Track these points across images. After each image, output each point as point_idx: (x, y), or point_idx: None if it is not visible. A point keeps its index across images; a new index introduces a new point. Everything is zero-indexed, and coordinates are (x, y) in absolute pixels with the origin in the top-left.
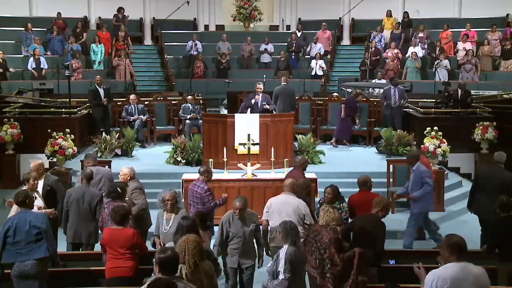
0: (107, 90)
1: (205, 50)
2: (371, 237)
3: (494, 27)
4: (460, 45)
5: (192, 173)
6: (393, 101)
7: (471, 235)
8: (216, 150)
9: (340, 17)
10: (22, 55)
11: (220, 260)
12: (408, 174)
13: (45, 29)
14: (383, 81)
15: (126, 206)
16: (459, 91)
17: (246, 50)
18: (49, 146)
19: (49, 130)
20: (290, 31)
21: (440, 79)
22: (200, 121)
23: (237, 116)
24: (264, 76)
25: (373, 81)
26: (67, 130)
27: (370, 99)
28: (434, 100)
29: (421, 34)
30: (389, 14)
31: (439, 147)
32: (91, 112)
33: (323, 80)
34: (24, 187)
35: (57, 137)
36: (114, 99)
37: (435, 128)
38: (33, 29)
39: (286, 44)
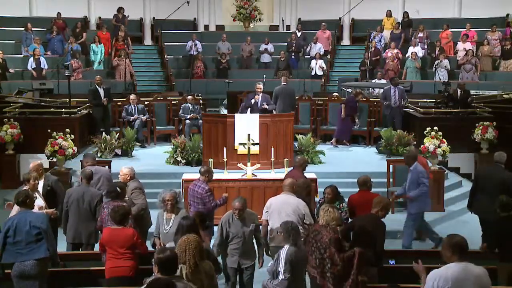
0: (107, 90)
1: (205, 50)
2: (371, 237)
3: (494, 27)
4: (460, 45)
5: (192, 173)
6: (393, 101)
7: (471, 235)
8: (216, 150)
9: (340, 17)
10: (22, 55)
11: (220, 260)
12: None
13: (45, 29)
14: (383, 81)
15: (125, 206)
16: (459, 91)
17: (246, 50)
18: (49, 146)
19: (49, 130)
20: (290, 31)
21: (440, 79)
22: (200, 121)
23: (237, 116)
24: (264, 76)
25: (373, 81)
26: (67, 130)
27: (370, 99)
28: (434, 100)
29: (421, 34)
30: (389, 14)
31: (439, 147)
32: (91, 112)
33: (323, 80)
34: (25, 187)
35: (57, 137)
36: (114, 99)
37: (435, 128)
38: (33, 29)
39: (286, 44)
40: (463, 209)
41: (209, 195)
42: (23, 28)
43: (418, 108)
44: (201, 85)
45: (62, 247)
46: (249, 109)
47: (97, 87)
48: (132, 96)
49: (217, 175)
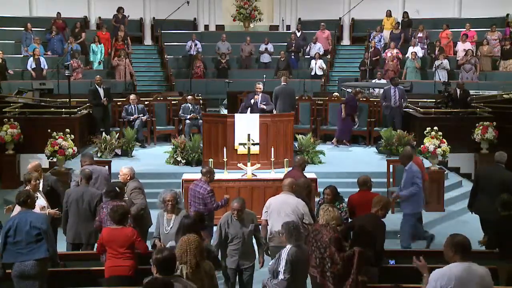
0: (107, 90)
1: (205, 50)
2: (371, 237)
3: (493, 27)
4: (460, 45)
5: (192, 173)
6: (393, 101)
7: (471, 235)
8: (216, 150)
9: (340, 17)
10: (21, 55)
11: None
12: None
13: (45, 29)
14: (383, 81)
15: (125, 206)
16: (458, 90)
17: (245, 50)
18: (49, 146)
19: (49, 130)
20: (290, 31)
21: (440, 79)
22: (200, 121)
23: (237, 116)
24: (264, 76)
25: (373, 81)
26: (67, 130)
27: (370, 99)
28: (434, 100)
29: (420, 34)
30: (388, 14)
31: (439, 147)
32: (91, 112)
33: (323, 80)
34: (27, 187)
35: (57, 137)
36: (114, 99)
37: (435, 128)
38: (33, 29)
39: (286, 44)
40: (463, 209)
41: (211, 196)
42: (23, 28)
43: (418, 108)
44: (201, 85)
45: (62, 247)
46: (249, 109)
47: (97, 87)
48: (132, 96)
49: (217, 175)
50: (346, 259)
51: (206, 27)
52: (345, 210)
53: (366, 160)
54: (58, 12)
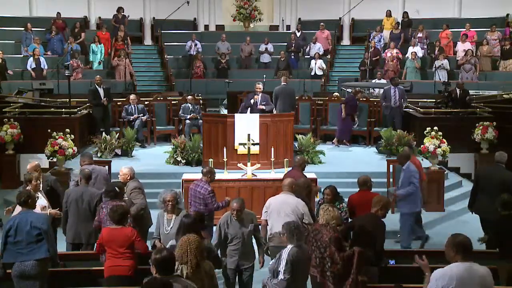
0: (107, 90)
1: (205, 50)
2: (371, 237)
3: (493, 27)
4: (460, 45)
5: (192, 173)
6: (393, 101)
7: (471, 235)
8: (216, 150)
9: (340, 17)
10: (21, 55)
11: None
12: None
13: (45, 29)
14: (383, 81)
15: (124, 206)
16: (458, 90)
17: (245, 50)
18: (49, 146)
19: (49, 130)
20: (290, 31)
21: (440, 79)
22: (200, 121)
23: (237, 116)
24: (264, 76)
25: (373, 81)
26: (67, 130)
27: (370, 99)
28: (434, 100)
29: (420, 34)
30: (388, 14)
31: (439, 147)
32: (91, 112)
33: (323, 80)
34: (28, 187)
35: (57, 137)
36: (114, 99)
37: (435, 128)
38: (33, 29)
39: (286, 44)
40: (463, 209)
41: (211, 196)
42: (23, 28)
43: (418, 108)
44: (201, 85)
45: (61, 247)
46: (249, 109)
47: (97, 87)
48: (132, 96)
49: (217, 175)
50: (346, 259)
51: (206, 27)
52: (345, 210)
53: (366, 160)
54: (58, 12)
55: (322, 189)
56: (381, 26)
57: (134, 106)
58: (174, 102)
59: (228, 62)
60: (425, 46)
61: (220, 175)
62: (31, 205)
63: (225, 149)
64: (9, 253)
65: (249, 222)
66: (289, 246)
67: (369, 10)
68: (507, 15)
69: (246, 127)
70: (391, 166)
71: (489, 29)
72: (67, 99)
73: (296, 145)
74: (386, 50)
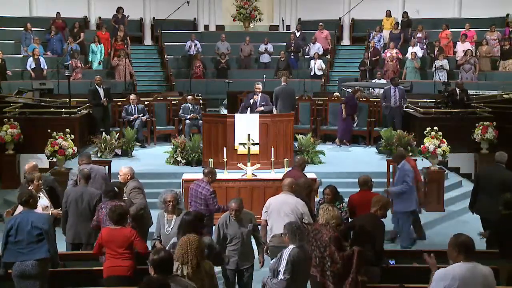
0: (107, 90)
1: (205, 50)
2: (370, 237)
3: (493, 27)
4: (459, 45)
5: (192, 173)
6: (393, 101)
7: (471, 235)
8: (216, 150)
9: (340, 17)
10: (21, 55)
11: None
12: None
13: (45, 29)
14: (383, 81)
15: (123, 206)
16: (457, 90)
17: (245, 50)
18: (49, 146)
19: (49, 130)
20: (290, 31)
21: (440, 79)
22: (200, 121)
23: (237, 116)
24: (264, 76)
25: (373, 81)
26: (67, 130)
27: (370, 99)
28: (434, 100)
29: (419, 34)
30: (388, 14)
31: (439, 147)
32: (91, 112)
33: (323, 80)
34: (30, 187)
35: (57, 137)
36: (114, 99)
37: (435, 128)
38: (32, 29)
39: (285, 44)
40: (463, 209)
41: (213, 197)
42: (22, 28)
43: (418, 108)
44: (201, 85)
45: (61, 247)
46: (248, 109)
47: (97, 87)
48: (132, 96)
49: (217, 175)
50: (346, 259)
51: (206, 27)
52: (345, 210)
53: (366, 160)
54: (57, 12)
55: (321, 181)
56: (381, 26)
57: (134, 106)
58: (174, 102)
59: (227, 62)
60: (425, 46)
61: (220, 175)
62: (33, 205)
63: (225, 149)
64: (9, 253)
65: (248, 222)
66: (291, 246)
67: (369, 10)
68: (507, 15)
69: (246, 127)
70: (391, 166)
71: (489, 29)
72: (67, 99)
73: (296, 145)
74: (386, 50)
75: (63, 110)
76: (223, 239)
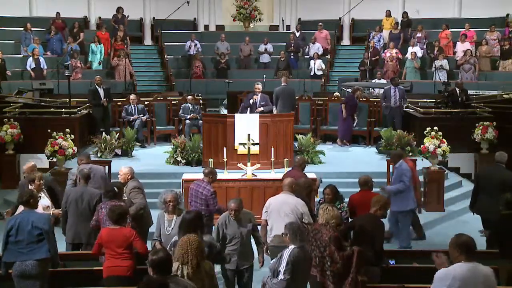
0: (107, 90)
1: (205, 50)
2: (370, 237)
3: (492, 27)
4: (459, 45)
5: (192, 173)
6: (393, 101)
7: (471, 235)
8: (216, 150)
9: (340, 17)
10: (21, 55)
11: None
12: None
13: (45, 29)
14: (383, 81)
15: (123, 206)
16: (457, 90)
17: (244, 50)
18: (49, 146)
19: (49, 130)
20: (290, 31)
21: (440, 79)
22: (200, 121)
23: (237, 116)
24: (264, 76)
25: (373, 81)
26: (67, 130)
27: (370, 99)
28: (434, 100)
29: (419, 34)
30: (388, 14)
31: (439, 147)
32: (91, 112)
33: (323, 80)
34: (29, 187)
35: (57, 137)
36: (114, 99)
37: (435, 128)
38: (32, 29)
39: (285, 44)
40: (463, 209)
41: (213, 198)
42: (22, 28)
43: (418, 108)
44: (201, 85)
45: (60, 247)
46: (248, 109)
47: (97, 87)
48: (132, 96)
49: (217, 175)
50: (346, 258)
51: (206, 27)
52: (346, 210)
53: (366, 160)
54: (57, 12)
55: (321, 179)
56: (381, 26)
57: (134, 106)
58: (174, 102)
59: (227, 62)
60: (424, 46)
61: (220, 175)
62: (33, 205)
63: (225, 149)
64: (9, 252)
65: (247, 222)
66: (291, 247)
67: (369, 10)
68: (507, 15)
69: (246, 127)
70: (391, 166)
71: (489, 29)
72: (67, 99)
73: (296, 145)
74: (386, 51)
75: (63, 110)
76: (223, 239)
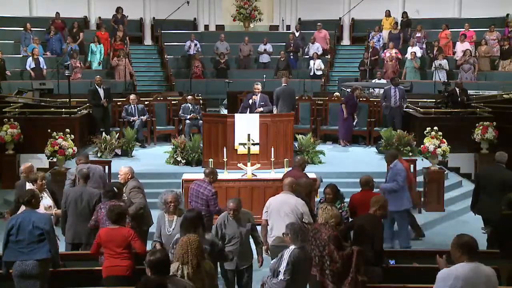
0: (107, 90)
1: (205, 50)
2: (370, 237)
3: (492, 27)
4: (459, 45)
5: (192, 173)
6: (393, 101)
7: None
8: (216, 150)
9: (340, 17)
10: (21, 55)
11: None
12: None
13: (45, 29)
14: (383, 81)
15: (122, 205)
16: (457, 90)
17: (244, 50)
18: (49, 146)
19: (49, 130)
20: (290, 31)
21: (439, 79)
22: (200, 121)
23: (237, 116)
24: (264, 76)
25: (373, 81)
26: (67, 130)
27: (370, 99)
28: (434, 100)
29: (418, 34)
30: (388, 14)
31: (439, 147)
32: (91, 112)
33: (323, 80)
34: (32, 187)
35: (57, 137)
36: (114, 99)
37: (435, 128)
38: (32, 29)
39: (285, 44)
40: (463, 209)
41: (214, 198)
42: (22, 28)
43: (418, 108)
44: (201, 85)
45: (60, 247)
46: (248, 109)
47: (97, 87)
48: (132, 96)
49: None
50: (345, 258)
51: (206, 27)
52: (346, 209)
53: (366, 160)
54: (57, 12)
55: (322, 178)
56: (380, 26)
57: (134, 106)
58: (174, 102)
59: (227, 62)
60: (424, 46)
61: (220, 175)
62: (35, 205)
63: (225, 149)
64: (10, 252)
65: (246, 222)
66: (292, 247)
67: (369, 10)
68: (507, 15)
69: (246, 127)
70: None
71: (488, 29)
72: (67, 99)
73: (296, 145)
74: (385, 51)
75: (63, 110)
76: (222, 239)
